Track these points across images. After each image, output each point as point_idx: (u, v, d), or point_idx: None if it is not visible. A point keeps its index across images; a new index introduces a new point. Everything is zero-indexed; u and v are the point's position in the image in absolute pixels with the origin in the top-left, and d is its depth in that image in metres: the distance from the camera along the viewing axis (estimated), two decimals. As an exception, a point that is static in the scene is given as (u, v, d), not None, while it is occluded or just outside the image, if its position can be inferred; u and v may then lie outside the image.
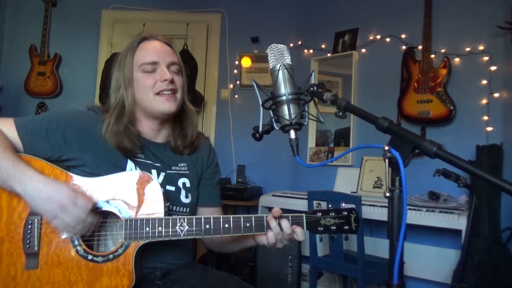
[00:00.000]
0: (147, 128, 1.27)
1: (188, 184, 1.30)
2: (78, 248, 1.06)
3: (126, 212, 1.09)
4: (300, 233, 1.11)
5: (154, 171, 1.24)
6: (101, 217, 1.09)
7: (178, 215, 1.24)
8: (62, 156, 1.17)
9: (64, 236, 1.06)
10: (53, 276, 1.04)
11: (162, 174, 1.26)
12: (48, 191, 1.02)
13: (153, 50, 1.23)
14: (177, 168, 1.30)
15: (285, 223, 1.10)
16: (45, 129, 1.15)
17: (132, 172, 1.15)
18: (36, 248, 1.05)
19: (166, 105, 1.21)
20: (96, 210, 1.08)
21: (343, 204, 1.16)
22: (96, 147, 1.18)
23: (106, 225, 1.13)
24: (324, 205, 2.33)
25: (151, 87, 1.21)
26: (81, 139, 1.17)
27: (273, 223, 1.10)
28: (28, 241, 1.05)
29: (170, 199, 1.24)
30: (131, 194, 1.10)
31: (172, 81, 1.22)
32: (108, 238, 1.13)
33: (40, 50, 3.68)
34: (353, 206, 1.18)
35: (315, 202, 2.38)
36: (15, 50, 3.78)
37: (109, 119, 1.19)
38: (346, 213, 1.13)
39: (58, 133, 1.15)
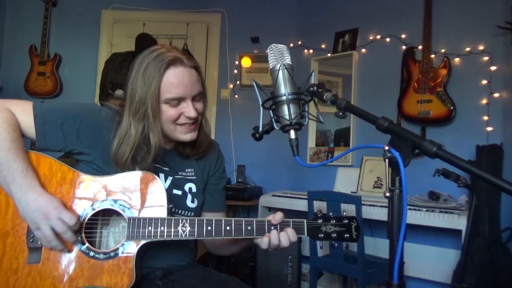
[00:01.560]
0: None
1: (194, 189, 1.31)
2: (80, 244, 1.07)
3: (129, 211, 1.09)
4: (292, 234, 1.10)
5: (162, 175, 1.25)
6: (77, 238, 1.06)
7: None
8: (73, 150, 1.17)
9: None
10: (54, 271, 1.05)
11: (170, 179, 1.27)
12: (39, 202, 1.02)
13: (180, 83, 1.15)
14: (184, 173, 1.31)
15: (284, 237, 1.10)
16: (61, 121, 1.14)
17: (136, 172, 1.15)
18: (39, 243, 1.06)
19: (187, 136, 1.21)
20: (80, 227, 1.08)
21: (344, 211, 1.17)
22: (107, 146, 1.17)
23: (109, 223, 1.14)
24: (324, 205, 2.32)
25: (175, 119, 1.18)
26: (93, 136, 1.17)
27: (274, 235, 1.09)
28: (32, 235, 1.06)
29: (176, 203, 1.25)
30: (134, 193, 1.11)
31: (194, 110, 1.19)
32: (110, 236, 1.13)
33: (40, 50, 3.68)
34: (352, 207, 1.18)
35: (315, 204, 2.38)
36: (15, 50, 3.78)
37: (124, 146, 1.14)
38: (347, 221, 1.13)
39: (73, 127, 1.15)
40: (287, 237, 1.10)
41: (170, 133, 1.21)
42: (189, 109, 1.17)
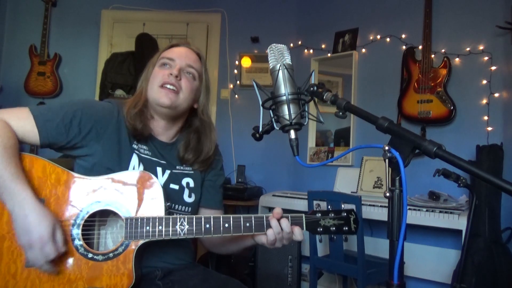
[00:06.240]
0: (157, 125, 1.29)
1: (192, 184, 1.31)
2: (79, 246, 1.06)
3: (126, 211, 1.09)
4: (299, 233, 1.12)
5: (159, 169, 1.26)
6: (55, 267, 1.04)
7: (179, 214, 1.25)
8: (76, 144, 1.17)
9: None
10: (53, 274, 1.04)
11: (167, 172, 1.27)
12: (29, 223, 0.99)
13: (175, 50, 1.30)
14: (182, 168, 1.32)
15: (285, 222, 1.11)
16: (61, 118, 1.15)
17: (133, 171, 1.16)
18: None
19: (162, 98, 1.22)
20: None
21: (343, 205, 1.17)
22: (107, 138, 1.19)
23: (106, 224, 1.14)
24: (324, 205, 2.33)
25: (159, 80, 1.24)
26: (94, 129, 1.18)
27: (274, 222, 1.10)
28: None
29: (173, 198, 1.25)
30: (131, 193, 1.10)
31: (179, 79, 1.24)
32: (108, 236, 1.13)
33: (40, 50, 3.68)
34: (352, 207, 1.18)
35: (314, 202, 2.38)
36: (15, 50, 3.78)
37: (128, 104, 1.25)
38: (345, 214, 1.13)
39: (74, 123, 1.16)
40: (287, 222, 1.11)
41: (152, 95, 1.24)
42: (173, 69, 1.24)
